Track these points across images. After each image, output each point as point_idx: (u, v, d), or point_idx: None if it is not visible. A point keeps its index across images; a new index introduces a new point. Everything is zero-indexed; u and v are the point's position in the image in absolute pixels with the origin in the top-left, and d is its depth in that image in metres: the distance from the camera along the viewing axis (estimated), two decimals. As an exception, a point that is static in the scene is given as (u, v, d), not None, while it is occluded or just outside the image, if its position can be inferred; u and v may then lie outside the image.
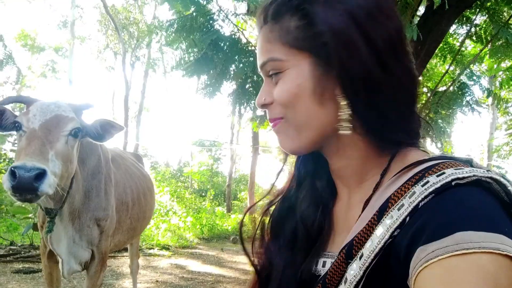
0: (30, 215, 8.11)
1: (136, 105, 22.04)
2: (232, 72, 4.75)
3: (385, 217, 0.52)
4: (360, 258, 0.52)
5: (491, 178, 0.49)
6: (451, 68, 5.92)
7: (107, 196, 2.54)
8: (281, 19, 0.63)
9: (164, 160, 25.50)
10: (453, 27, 5.20)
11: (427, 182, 0.50)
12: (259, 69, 0.67)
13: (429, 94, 5.32)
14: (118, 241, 2.94)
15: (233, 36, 4.57)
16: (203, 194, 18.08)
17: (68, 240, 2.37)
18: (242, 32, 4.79)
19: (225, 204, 16.92)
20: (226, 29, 4.67)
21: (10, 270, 5.84)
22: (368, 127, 0.62)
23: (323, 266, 0.65)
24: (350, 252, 0.54)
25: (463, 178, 0.49)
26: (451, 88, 5.46)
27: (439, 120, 5.77)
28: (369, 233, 0.53)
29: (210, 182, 20.91)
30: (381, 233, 0.51)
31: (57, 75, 22.75)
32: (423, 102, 5.19)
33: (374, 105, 0.59)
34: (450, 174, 0.49)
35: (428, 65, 5.35)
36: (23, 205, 9.15)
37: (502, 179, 0.49)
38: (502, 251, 0.42)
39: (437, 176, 0.50)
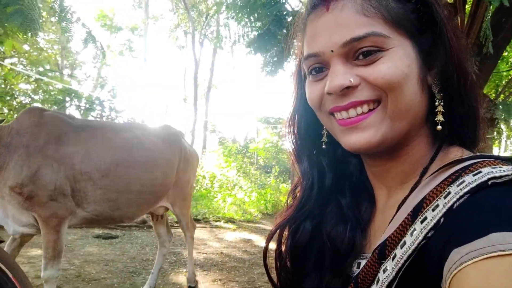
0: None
1: (205, 82, 22.67)
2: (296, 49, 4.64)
3: (420, 218, 0.51)
4: (393, 259, 0.51)
5: None
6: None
7: (26, 168, 2.84)
8: None
9: (231, 136, 26.14)
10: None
11: (463, 181, 0.49)
12: (333, 47, 0.58)
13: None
14: (96, 211, 3.11)
15: (298, 11, 4.44)
16: (268, 170, 18.32)
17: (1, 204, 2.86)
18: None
19: (290, 181, 17.01)
20: (291, 3, 4.54)
21: (92, 235, 6.44)
22: (447, 125, 0.60)
23: (358, 267, 0.64)
24: (383, 252, 0.53)
25: (500, 177, 0.46)
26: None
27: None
28: (402, 233, 0.52)
29: (275, 159, 21.08)
30: (415, 234, 0.50)
31: (133, 53, 24.12)
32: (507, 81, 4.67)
33: (458, 101, 0.60)
34: (486, 173, 0.48)
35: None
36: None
37: None
38: None
39: (473, 175, 0.48)
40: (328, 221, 0.70)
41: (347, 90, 0.58)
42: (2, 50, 12.45)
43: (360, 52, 0.57)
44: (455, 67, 0.59)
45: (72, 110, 18.92)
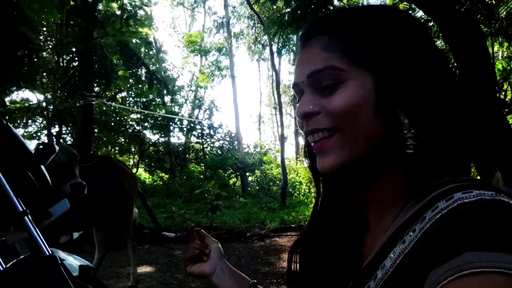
0: (209, 200, 9.55)
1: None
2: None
3: (399, 242, 0.55)
4: (375, 279, 0.56)
5: (499, 200, 0.49)
6: None
7: None
8: (342, 32, 0.64)
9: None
10: None
11: (437, 207, 0.52)
12: (303, 78, 0.65)
13: None
14: None
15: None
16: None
17: None
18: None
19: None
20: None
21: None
22: (418, 149, 0.61)
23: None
24: (367, 273, 0.59)
25: (470, 202, 0.49)
26: None
27: None
28: (384, 256, 0.56)
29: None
30: (394, 257, 0.54)
31: (222, 72, 25.49)
32: None
33: (433, 129, 0.61)
34: (457, 198, 0.50)
35: None
36: (205, 190, 10.70)
37: (511, 202, 0.49)
38: None
39: (446, 201, 0.51)
40: (326, 241, 0.75)
41: (309, 116, 0.64)
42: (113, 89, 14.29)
43: (323, 83, 0.63)
44: (419, 95, 0.60)
45: (176, 132, 20.82)
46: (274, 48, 13.40)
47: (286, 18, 4.34)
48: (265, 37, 16.75)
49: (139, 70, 5.80)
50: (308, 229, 0.79)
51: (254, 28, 19.50)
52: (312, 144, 0.66)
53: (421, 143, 0.60)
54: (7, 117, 11.42)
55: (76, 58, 5.29)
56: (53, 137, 14.23)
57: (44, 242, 2.00)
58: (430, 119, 0.61)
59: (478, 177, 0.65)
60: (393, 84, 0.61)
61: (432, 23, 4.91)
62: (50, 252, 1.94)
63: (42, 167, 2.24)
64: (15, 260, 2.08)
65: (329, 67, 0.62)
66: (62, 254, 2.09)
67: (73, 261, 2.11)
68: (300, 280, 0.77)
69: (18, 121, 14.23)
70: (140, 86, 19.09)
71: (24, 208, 1.94)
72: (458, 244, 0.45)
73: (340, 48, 0.62)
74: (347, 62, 0.61)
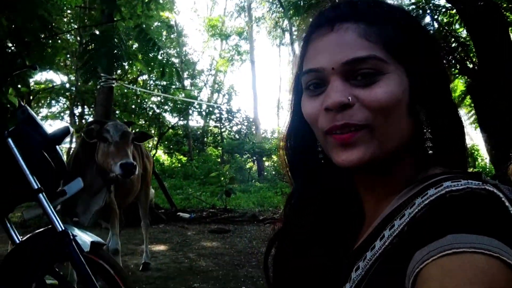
0: (224, 184, 9.69)
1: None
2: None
3: (389, 226, 0.59)
4: (364, 260, 0.60)
5: (484, 189, 0.52)
6: None
7: None
8: (381, 23, 0.63)
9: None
10: None
11: (426, 194, 0.56)
12: (334, 64, 0.61)
13: None
14: None
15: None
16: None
17: None
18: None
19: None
20: None
21: (207, 229, 7.18)
22: (434, 148, 0.65)
23: None
24: (358, 255, 0.63)
25: (457, 190, 0.53)
26: None
27: None
28: (374, 238, 0.61)
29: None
30: (383, 240, 0.58)
31: (242, 57, 25.39)
32: None
33: (445, 127, 0.66)
34: (446, 186, 0.54)
35: None
36: (220, 173, 10.85)
37: (496, 192, 0.52)
38: (493, 253, 0.44)
39: (435, 189, 0.55)
40: (320, 232, 0.75)
41: (344, 107, 0.59)
42: (135, 71, 14.49)
43: (360, 73, 0.60)
44: (441, 96, 0.66)
45: (195, 116, 21.02)
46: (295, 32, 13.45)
47: (302, 3, 4.34)
48: (286, 22, 16.73)
49: (156, 55, 5.87)
50: (294, 218, 0.78)
51: (274, 12, 19.34)
52: (336, 134, 0.62)
53: (438, 140, 0.64)
54: (31, 98, 11.74)
55: (93, 41, 5.41)
56: (76, 117, 14.62)
57: (58, 218, 2.13)
58: (448, 117, 0.66)
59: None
60: (425, 82, 0.63)
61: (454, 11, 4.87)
62: (63, 228, 2.08)
63: (57, 147, 2.36)
64: (30, 234, 2.23)
65: (372, 56, 0.59)
66: (75, 231, 2.23)
67: (86, 237, 2.25)
68: (290, 266, 0.76)
69: (42, 101, 14.62)
70: (155, 72, 19.27)
71: (39, 186, 2.09)
72: (443, 227, 0.48)
73: (380, 39, 0.60)
74: (388, 54, 0.60)
